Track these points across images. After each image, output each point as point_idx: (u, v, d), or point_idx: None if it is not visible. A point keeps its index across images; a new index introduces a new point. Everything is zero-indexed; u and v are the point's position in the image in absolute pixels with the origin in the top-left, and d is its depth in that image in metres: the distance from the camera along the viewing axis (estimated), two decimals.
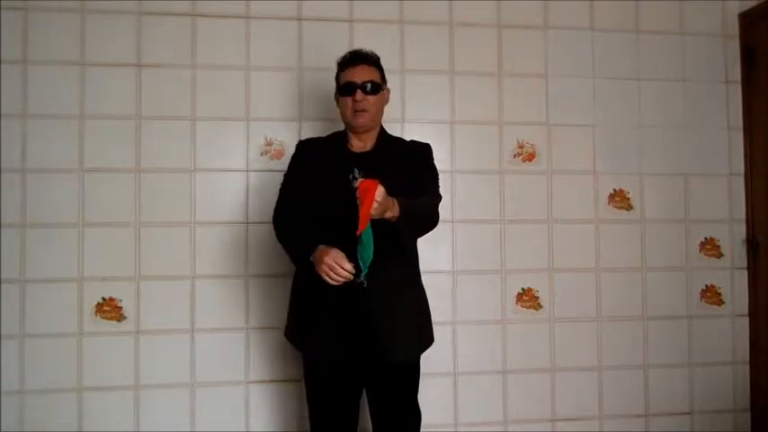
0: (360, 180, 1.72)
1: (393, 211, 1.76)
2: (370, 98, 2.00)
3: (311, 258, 1.86)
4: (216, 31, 2.58)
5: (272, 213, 2.09)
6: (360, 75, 2.00)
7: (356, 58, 2.03)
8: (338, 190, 1.90)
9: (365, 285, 1.87)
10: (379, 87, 2.03)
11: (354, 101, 1.98)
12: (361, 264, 1.80)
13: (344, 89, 2.02)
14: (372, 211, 1.68)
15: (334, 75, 2.09)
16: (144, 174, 2.53)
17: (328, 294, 1.88)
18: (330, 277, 1.81)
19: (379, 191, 1.68)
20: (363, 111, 1.99)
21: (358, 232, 1.70)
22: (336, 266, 1.79)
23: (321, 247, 1.85)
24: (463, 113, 2.72)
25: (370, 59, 2.05)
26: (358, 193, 1.69)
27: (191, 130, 2.56)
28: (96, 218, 2.49)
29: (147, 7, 2.55)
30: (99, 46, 2.51)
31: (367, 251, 1.79)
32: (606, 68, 2.83)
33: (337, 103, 2.09)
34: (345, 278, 1.80)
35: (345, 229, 1.77)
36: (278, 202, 2.08)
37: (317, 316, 1.94)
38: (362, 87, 1.99)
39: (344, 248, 1.82)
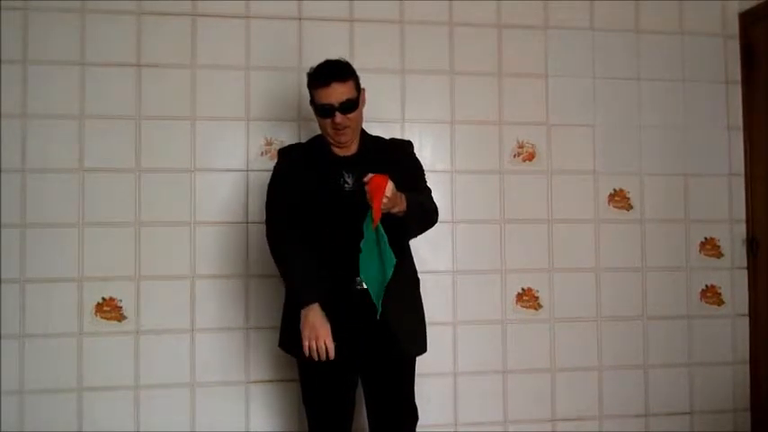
0: (370, 176, 1.75)
1: (401, 206, 1.80)
2: (350, 115, 1.94)
3: (305, 307, 1.85)
4: (216, 31, 2.58)
5: None
6: (336, 95, 1.89)
7: (328, 77, 1.90)
8: (330, 196, 1.93)
9: (365, 287, 1.88)
10: (356, 102, 1.96)
11: (335, 123, 1.93)
12: (362, 276, 1.81)
13: (322, 111, 1.93)
14: (382, 207, 1.72)
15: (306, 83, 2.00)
16: (144, 174, 2.52)
17: (328, 295, 1.89)
18: (309, 347, 1.83)
19: (390, 186, 1.73)
20: (346, 128, 1.95)
21: (374, 225, 1.73)
22: (321, 341, 1.82)
23: (315, 308, 1.85)
24: (463, 113, 2.72)
25: (343, 73, 1.93)
26: (368, 189, 1.74)
27: (191, 130, 2.56)
28: (96, 218, 2.49)
29: (147, 7, 2.55)
30: (99, 46, 2.51)
31: (373, 261, 1.79)
32: (606, 68, 2.83)
33: (314, 111, 2.00)
34: (320, 356, 1.83)
35: (341, 234, 1.85)
36: (269, 215, 2.01)
37: None
38: (341, 109, 1.91)
39: (341, 254, 1.86)
